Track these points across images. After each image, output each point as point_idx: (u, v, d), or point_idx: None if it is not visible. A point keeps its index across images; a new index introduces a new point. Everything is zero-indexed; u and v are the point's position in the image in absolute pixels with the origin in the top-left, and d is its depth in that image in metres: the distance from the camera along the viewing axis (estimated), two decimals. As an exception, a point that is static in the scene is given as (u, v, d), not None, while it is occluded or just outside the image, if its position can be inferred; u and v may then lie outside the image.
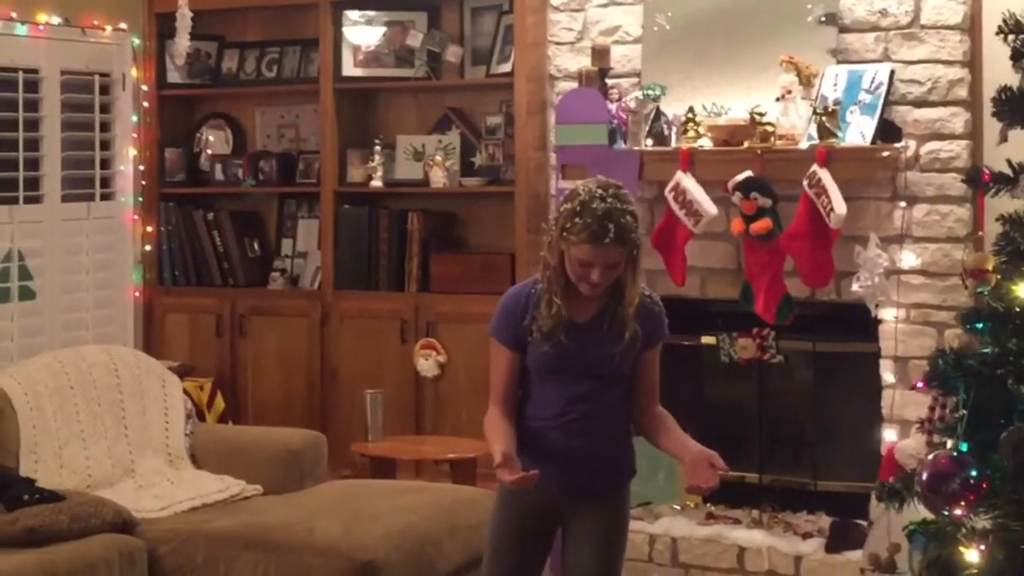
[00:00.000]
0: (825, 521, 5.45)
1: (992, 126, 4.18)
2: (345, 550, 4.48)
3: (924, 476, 3.39)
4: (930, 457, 3.43)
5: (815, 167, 5.10)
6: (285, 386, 6.46)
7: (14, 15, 5.82)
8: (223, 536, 4.64)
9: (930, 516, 3.63)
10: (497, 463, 3.46)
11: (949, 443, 3.51)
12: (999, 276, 3.85)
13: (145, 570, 4.62)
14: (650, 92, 5.56)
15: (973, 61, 5.22)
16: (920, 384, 4.41)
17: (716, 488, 3.56)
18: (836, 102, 5.20)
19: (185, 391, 5.62)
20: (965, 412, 3.48)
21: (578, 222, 3.48)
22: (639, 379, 3.70)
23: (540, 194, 5.96)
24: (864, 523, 5.24)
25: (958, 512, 3.43)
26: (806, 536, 5.38)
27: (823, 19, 5.36)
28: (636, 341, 3.60)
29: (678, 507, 5.68)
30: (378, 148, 6.33)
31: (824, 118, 5.14)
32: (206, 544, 4.63)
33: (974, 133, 5.21)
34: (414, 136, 6.40)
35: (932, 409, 4.53)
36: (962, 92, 5.22)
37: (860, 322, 5.35)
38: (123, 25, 6.37)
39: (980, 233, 5.03)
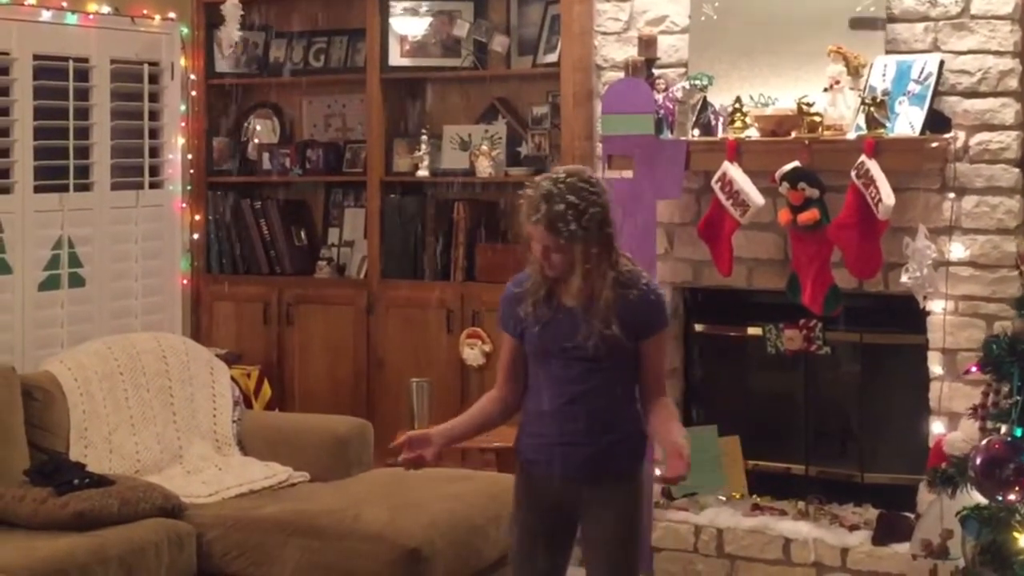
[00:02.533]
0: (872, 513, 5.43)
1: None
2: (391, 537, 4.50)
3: (978, 461, 3.38)
4: (983, 442, 3.41)
5: (863, 158, 5.07)
6: (331, 374, 6.48)
7: (64, 4, 5.85)
8: (270, 522, 4.68)
9: (983, 501, 3.61)
10: (396, 442, 3.58)
11: (1003, 428, 3.48)
12: (1053, 262, 3.82)
13: (193, 555, 4.66)
14: (697, 82, 5.54)
15: (1024, 52, 5.19)
16: (974, 368, 4.38)
17: (683, 478, 3.49)
18: (885, 92, 5.16)
19: (232, 378, 5.66)
20: (1019, 398, 3.46)
21: (525, 195, 3.58)
22: (642, 368, 3.69)
23: (586, 184, 5.94)
24: (912, 516, 5.22)
25: (1012, 497, 3.41)
26: (853, 528, 5.36)
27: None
28: (612, 328, 3.56)
29: (723, 498, 5.66)
30: (424, 138, 6.34)
31: (872, 108, 5.11)
32: (253, 530, 4.66)
33: (1025, 124, 5.19)
34: (460, 126, 6.41)
35: (985, 395, 4.50)
36: (1012, 83, 5.18)
37: (908, 314, 5.31)
38: (172, 15, 6.40)
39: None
